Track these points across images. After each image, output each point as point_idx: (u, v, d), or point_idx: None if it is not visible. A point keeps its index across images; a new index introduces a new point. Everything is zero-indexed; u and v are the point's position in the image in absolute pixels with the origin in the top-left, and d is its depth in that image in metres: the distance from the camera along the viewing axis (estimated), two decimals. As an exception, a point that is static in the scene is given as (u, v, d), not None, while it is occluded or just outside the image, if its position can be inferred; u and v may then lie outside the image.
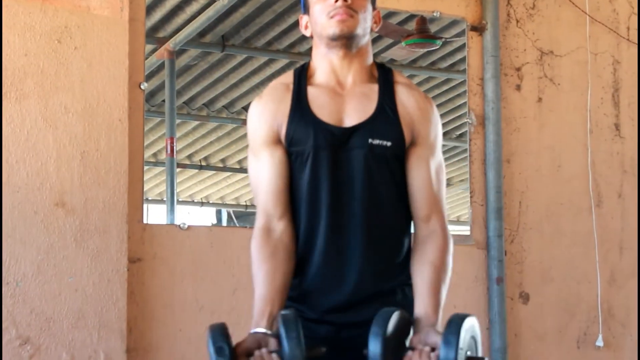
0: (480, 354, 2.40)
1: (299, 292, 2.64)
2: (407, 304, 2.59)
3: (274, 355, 2.35)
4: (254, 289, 2.54)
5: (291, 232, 2.62)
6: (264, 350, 2.37)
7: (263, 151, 2.64)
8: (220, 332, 2.36)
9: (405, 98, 2.65)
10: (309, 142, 2.59)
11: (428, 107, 2.67)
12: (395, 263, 2.65)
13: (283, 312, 2.44)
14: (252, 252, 2.59)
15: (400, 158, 2.63)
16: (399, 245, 2.67)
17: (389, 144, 2.60)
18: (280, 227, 2.61)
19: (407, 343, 2.45)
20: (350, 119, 2.62)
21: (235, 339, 2.38)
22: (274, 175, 2.62)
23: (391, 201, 2.64)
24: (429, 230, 2.63)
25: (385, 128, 2.60)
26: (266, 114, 2.65)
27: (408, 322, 2.46)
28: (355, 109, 2.63)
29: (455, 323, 2.34)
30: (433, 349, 2.36)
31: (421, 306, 2.52)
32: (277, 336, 2.38)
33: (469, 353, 2.35)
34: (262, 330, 2.43)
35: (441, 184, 2.66)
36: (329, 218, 2.59)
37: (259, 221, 2.63)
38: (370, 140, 2.59)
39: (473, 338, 2.39)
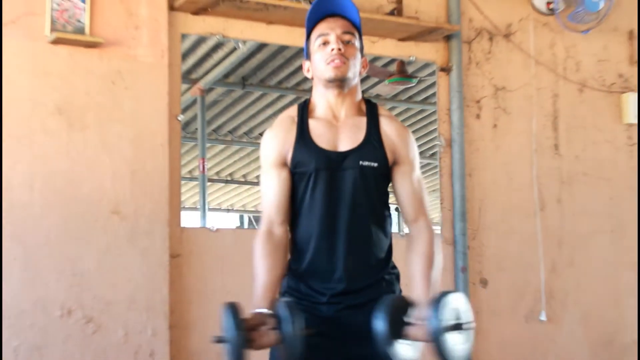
0: (466, 319, 2.34)
1: (298, 281, 2.64)
2: (390, 291, 2.61)
3: (274, 331, 2.35)
4: (255, 278, 2.52)
5: (287, 236, 2.62)
6: (265, 327, 2.36)
7: (272, 171, 2.63)
8: (237, 309, 2.33)
9: (388, 128, 2.63)
10: (311, 165, 2.58)
11: (405, 134, 2.66)
12: (378, 259, 2.64)
13: (285, 299, 2.43)
14: (255, 249, 2.56)
15: (385, 176, 2.63)
16: (381, 244, 2.65)
17: (375, 164, 2.58)
18: (280, 231, 2.59)
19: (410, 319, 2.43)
20: (344, 145, 2.59)
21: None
22: (279, 190, 2.61)
23: (376, 210, 2.64)
24: (417, 229, 2.61)
25: (372, 152, 2.59)
26: (276, 141, 2.65)
27: (406, 303, 2.44)
28: (347, 137, 2.60)
29: (436, 300, 2.33)
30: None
31: (417, 289, 2.50)
32: (275, 317, 2.36)
33: (451, 322, 2.30)
34: (265, 311, 2.39)
35: (423, 192, 2.65)
36: (323, 224, 2.58)
37: (263, 225, 2.62)
38: (360, 162, 2.58)
39: (455, 309, 2.33)
